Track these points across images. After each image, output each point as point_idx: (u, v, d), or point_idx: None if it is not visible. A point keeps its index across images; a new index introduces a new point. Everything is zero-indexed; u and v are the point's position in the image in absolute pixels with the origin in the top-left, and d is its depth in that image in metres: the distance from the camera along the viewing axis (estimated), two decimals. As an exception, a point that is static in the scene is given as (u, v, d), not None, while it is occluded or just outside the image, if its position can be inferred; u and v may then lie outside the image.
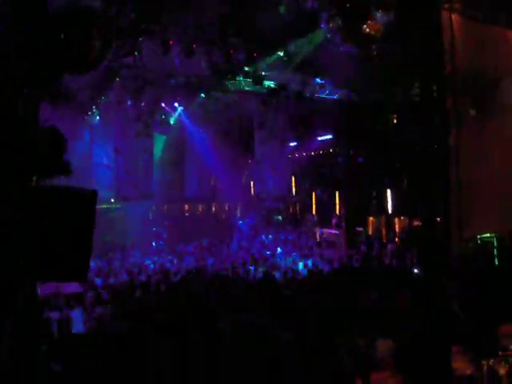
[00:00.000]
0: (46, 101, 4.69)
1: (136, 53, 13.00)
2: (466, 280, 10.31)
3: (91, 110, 20.82)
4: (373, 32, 10.29)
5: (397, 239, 17.41)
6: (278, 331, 7.22)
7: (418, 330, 5.82)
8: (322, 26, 12.52)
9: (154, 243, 20.59)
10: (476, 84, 7.67)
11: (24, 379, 3.92)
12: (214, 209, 27.78)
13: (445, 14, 6.57)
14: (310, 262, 14.89)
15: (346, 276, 11.83)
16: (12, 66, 4.07)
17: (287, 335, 6.85)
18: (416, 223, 14.47)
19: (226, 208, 27.83)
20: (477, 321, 7.82)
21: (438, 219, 6.14)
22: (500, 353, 5.79)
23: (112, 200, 22.04)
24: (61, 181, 4.50)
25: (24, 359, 3.97)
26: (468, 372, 5.80)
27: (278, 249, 18.03)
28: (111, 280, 12.40)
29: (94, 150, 22.01)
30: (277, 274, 12.78)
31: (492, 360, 5.66)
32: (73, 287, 9.58)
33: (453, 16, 6.93)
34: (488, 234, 11.63)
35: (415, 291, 9.10)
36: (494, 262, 12.68)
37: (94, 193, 4.40)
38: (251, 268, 13.75)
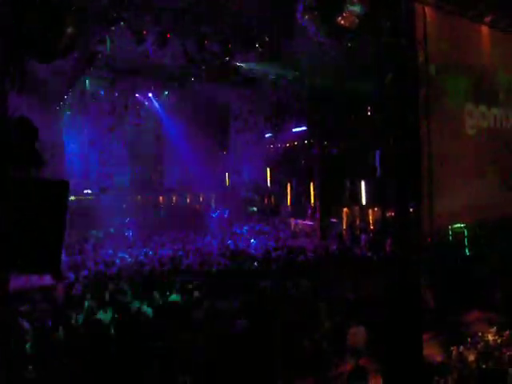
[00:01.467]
0: (14, 90, 4.55)
1: (108, 42, 12.69)
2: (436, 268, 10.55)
3: (64, 100, 20.38)
4: (347, 24, 10.30)
5: (372, 227, 17.63)
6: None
7: (390, 318, 5.92)
8: (298, 17, 12.46)
9: (127, 234, 20.30)
10: (449, 76, 7.77)
11: None
12: (188, 200, 27.56)
13: (418, 6, 6.63)
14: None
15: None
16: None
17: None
18: (389, 214, 14.65)
19: (201, 199, 27.65)
20: (446, 308, 8.01)
21: (411, 209, 6.23)
22: (469, 339, 5.94)
23: (86, 191, 21.70)
24: (33, 172, 4.40)
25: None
26: (438, 359, 5.94)
27: (252, 240, 17.99)
28: (84, 273, 12.14)
29: (67, 141, 21.57)
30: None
31: (462, 346, 5.81)
32: (44, 280, 9.39)
33: (426, 9, 6.99)
34: (459, 225, 11.87)
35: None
36: (465, 251, 13.01)
37: (65, 183, 4.31)
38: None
